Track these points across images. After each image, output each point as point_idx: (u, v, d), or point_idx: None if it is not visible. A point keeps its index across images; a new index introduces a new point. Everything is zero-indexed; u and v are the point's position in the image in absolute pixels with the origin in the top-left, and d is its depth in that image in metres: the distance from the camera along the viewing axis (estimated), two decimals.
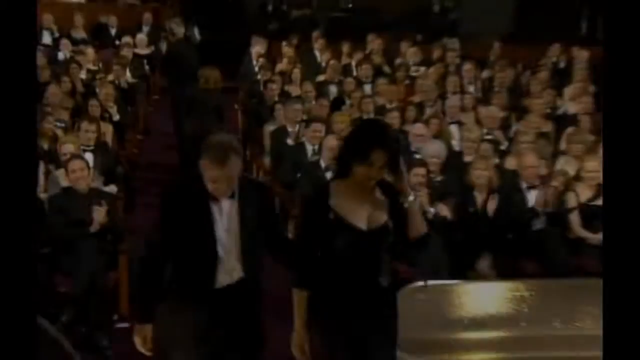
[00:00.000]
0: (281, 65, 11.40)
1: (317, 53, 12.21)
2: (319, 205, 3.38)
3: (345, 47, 12.26)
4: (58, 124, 7.67)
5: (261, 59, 11.44)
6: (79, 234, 5.50)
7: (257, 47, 11.89)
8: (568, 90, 9.92)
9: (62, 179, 6.03)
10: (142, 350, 3.56)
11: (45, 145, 7.12)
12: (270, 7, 14.90)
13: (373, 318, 3.41)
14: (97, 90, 9.23)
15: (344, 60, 11.89)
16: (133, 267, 5.52)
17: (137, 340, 3.55)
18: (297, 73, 10.57)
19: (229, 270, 3.51)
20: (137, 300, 3.63)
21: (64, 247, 5.51)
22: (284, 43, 12.24)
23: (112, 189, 6.85)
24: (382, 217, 3.39)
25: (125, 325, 5.66)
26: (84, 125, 7.01)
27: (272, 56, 12.05)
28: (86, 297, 5.35)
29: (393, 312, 3.53)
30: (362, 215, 3.36)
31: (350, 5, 15.12)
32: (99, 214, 5.60)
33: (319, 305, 3.39)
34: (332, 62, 11.27)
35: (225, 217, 3.47)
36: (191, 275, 3.50)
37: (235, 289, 3.53)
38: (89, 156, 6.82)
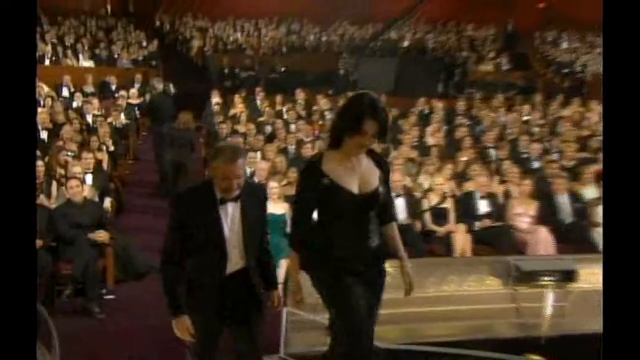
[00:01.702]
0: (233, 111, 11.28)
1: (258, 102, 12.13)
2: (314, 170, 2.76)
3: (278, 99, 12.20)
4: (69, 153, 7.50)
5: (217, 106, 11.35)
6: (77, 233, 5.36)
7: (216, 98, 11.84)
8: (428, 130, 10.12)
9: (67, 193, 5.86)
10: (186, 338, 2.99)
11: (59, 169, 6.97)
12: (226, 70, 14.83)
13: (365, 276, 2.85)
14: (98, 129, 9.05)
15: (277, 107, 11.83)
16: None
17: (179, 332, 2.98)
18: (243, 116, 10.51)
19: (234, 262, 3.00)
20: (168, 298, 2.99)
21: (66, 242, 5.37)
22: (236, 95, 12.13)
23: (107, 202, 6.74)
24: (374, 183, 2.81)
25: (112, 297, 5.58)
26: (84, 154, 6.87)
27: (226, 104, 11.93)
28: (82, 278, 5.23)
29: (382, 272, 2.97)
30: (354, 181, 2.77)
31: (283, 69, 15.14)
32: (101, 236, 5.50)
33: (316, 264, 2.83)
34: (267, 109, 11.28)
35: (229, 219, 2.95)
36: (205, 268, 2.99)
37: (238, 275, 3.02)
38: (89, 177, 6.71)
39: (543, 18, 20.45)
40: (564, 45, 18.56)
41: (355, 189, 2.76)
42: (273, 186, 6.11)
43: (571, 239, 6.38)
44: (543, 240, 6.16)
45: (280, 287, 3.51)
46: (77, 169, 6.14)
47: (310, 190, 2.77)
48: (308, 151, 7.95)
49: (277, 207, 5.96)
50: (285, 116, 11.09)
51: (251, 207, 3.01)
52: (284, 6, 20.16)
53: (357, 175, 2.78)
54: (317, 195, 2.75)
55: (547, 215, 6.53)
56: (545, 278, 4.89)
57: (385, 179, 2.87)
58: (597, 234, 6.38)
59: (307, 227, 2.81)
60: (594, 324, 5.30)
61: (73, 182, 5.56)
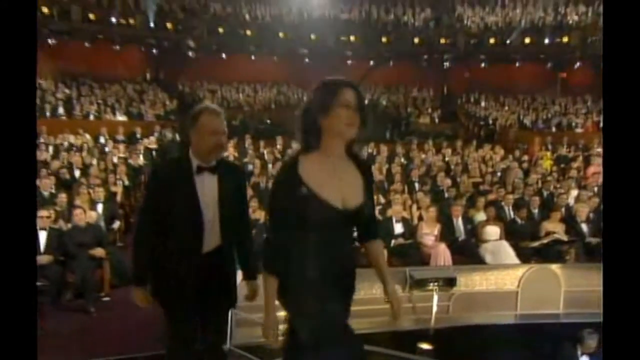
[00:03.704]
0: (225, 153, 11.21)
1: (247, 146, 12.14)
2: (290, 176, 1.76)
3: (262, 144, 12.20)
4: (93, 186, 7.40)
5: None
6: (79, 250, 5.26)
7: None
8: (372, 167, 10.09)
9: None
10: (141, 304, 2.35)
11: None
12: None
13: (340, 299, 1.86)
14: (117, 168, 8.99)
15: (261, 150, 11.79)
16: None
17: (138, 299, 2.35)
18: (231, 157, 10.46)
19: (211, 239, 2.29)
20: (136, 269, 2.38)
21: (70, 257, 5.27)
22: (230, 142, 12.13)
23: (116, 224, 6.63)
24: (359, 196, 1.81)
25: (107, 299, 5.46)
26: (96, 188, 6.80)
27: None
28: (82, 284, 5.13)
29: (352, 293, 1.92)
30: (336, 192, 1.77)
31: (268, 121, 15.17)
32: (98, 252, 5.35)
33: (290, 288, 1.79)
34: (251, 151, 11.22)
35: (206, 190, 2.26)
36: (182, 242, 2.27)
37: (214, 255, 2.31)
38: (100, 206, 6.63)
39: (468, 84, 20.75)
40: (482, 104, 18.75)
41: (338, 203, 1.76)
42: None
43: (463, 252, 6.36)
44: (442, 253, 6.13)
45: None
46: (81, 201, 6.05)
47: (287, 200, 1.76)
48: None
49: None
50: (265, 157, 11.07)
51: (228, 182, 2.33)
52: (277, 74, 20.39)
53: (340, 184, 1.79)
54: (293, 207, 1.74)
55: (447, 234, 6.51)
56: (432, 284, 4.86)
57: (369, 189, 1.89)
58: (483, 249, 6.37)
59: (285, 244, 1.78)
60: (471, 318, 5.30)
61: (77, 211, 5.50)
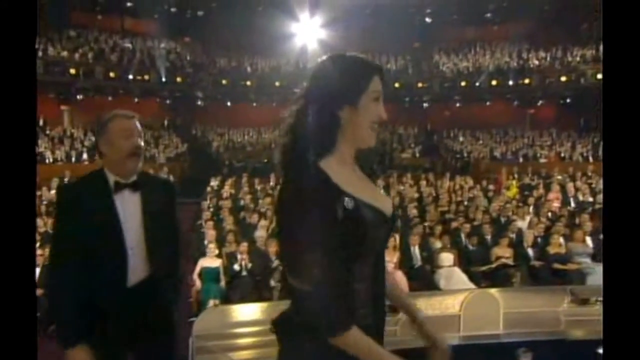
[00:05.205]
0: (224, 190, 11.26)
1: (243, 184, 12.13)
2: (326, 187, 1.05)
3: (257, 181, 12.20)
4: None
5: (210, 188, 11.37)
6: None
7: (213, 183, 11.88)
8: None
9: None
10: None
11: None
12: (226, 162, 14.97)
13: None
14: None
15: (255, 187, 11.75)
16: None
17: None
18: (226, 194, 10.52)
19: (137, 269, 1.72)
20: (61, 324, 1.71)
21: None
22: (228, 180, 12.09)
23: None
24: (389, 201, 1.22)
25: None
26: None
27: (221, 186, 11.98)
28: None
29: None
30: (377, 196, 1.17)
31: (265, 160, 15.27)
32: None
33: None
34: (246, 188, 11.19)
35: (128, 211, 1.71)
36: (102, 275, 1.68)
37: (142, 288, 1.74)
38: None
39: (448, 121, 20.86)
40: (460, 139, 18.77)
41: (385, 209, 1.17)
42: (212, 246, 6.01)
43: (419, 278, 6.23)
44: (399, 280, 6.02)
45: None
46: None
47: (331, 224, 1.05)
48: (254, 219, 7.90)
49: (213, 262, 5.85)
50: (258, 193, 11.08)
51: (154, 201, 1.77)
52: (276, 118, 20.34)
53: (369, 187, 1.20)
54: (341, 226, 1.06)
55: (404, 261, 6.41)
56: None
57: None
58: (438, 274, 6.24)
59: (349, 282, 1.10)
60: (417, 341, 5.15)
61: None
